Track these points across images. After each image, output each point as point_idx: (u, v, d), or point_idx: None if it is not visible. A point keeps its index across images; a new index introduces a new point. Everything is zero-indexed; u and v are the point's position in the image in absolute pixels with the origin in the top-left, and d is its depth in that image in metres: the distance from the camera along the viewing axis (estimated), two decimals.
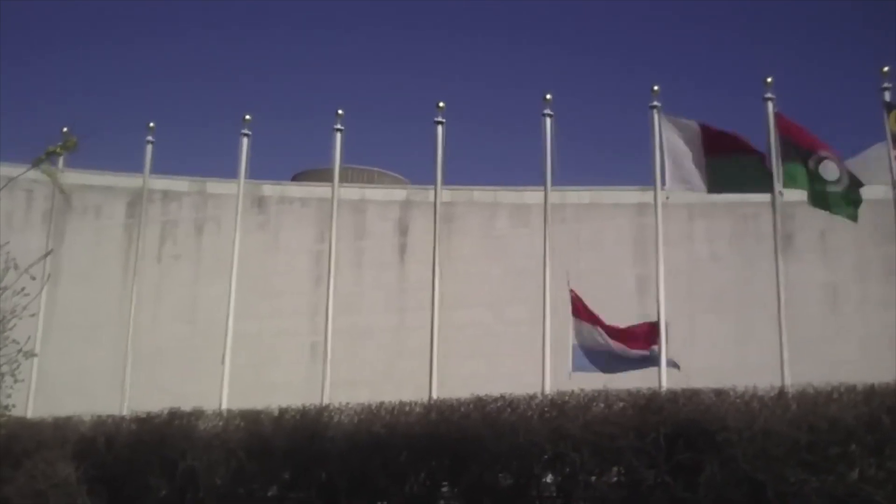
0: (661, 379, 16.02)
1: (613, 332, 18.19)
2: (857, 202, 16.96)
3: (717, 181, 17.49)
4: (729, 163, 17.30)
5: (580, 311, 18.25)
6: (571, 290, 18.35)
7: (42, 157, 12.27)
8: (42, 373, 20.83)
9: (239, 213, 20.90)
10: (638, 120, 18.45)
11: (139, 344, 20.97)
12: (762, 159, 17.08)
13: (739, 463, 11.05)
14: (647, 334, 17.84)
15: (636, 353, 17.90)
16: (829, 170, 16.83)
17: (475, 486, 12.79)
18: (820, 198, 17.02)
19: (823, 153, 16.89)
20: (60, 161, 21.72)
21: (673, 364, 17.24)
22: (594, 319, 18.25)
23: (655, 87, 17.97)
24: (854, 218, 17.09)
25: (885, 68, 16.71)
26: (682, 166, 17.52)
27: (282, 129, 69.34)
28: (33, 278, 18.21)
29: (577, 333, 18.16)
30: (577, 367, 18.03)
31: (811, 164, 16.85)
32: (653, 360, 17.38)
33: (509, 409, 13.00)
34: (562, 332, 18.63)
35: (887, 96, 16.57)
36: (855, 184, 16.92)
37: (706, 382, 12.58)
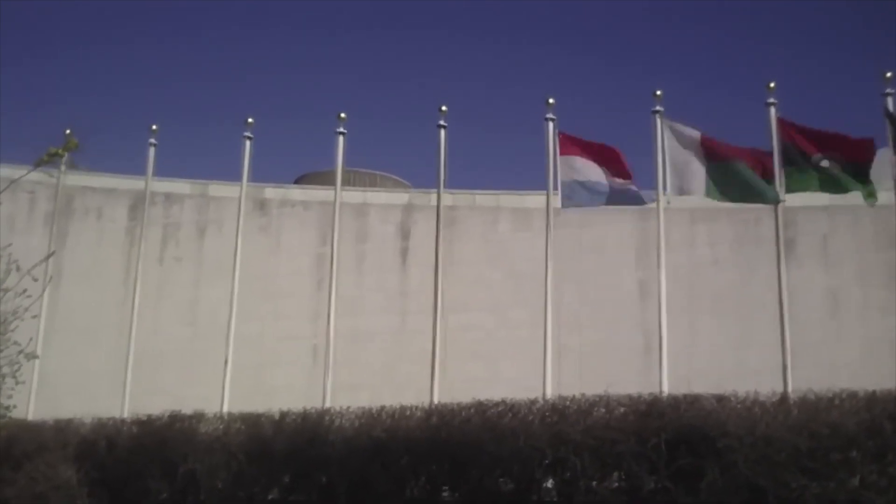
0: (663, 384, 16.02)
1: (605, 157, 18.03)
2: (869, 190, 16.79)
3: (717, 187, 17.48)
4: (729, 168, 17.30)
5: (569, 147, 18.01)
6: (561, 132, 18.19)
7: (44, 159, 12.27)
8: (43, 374, 20.83)
9: (241, 215, 20.92)
10: (640, 124, 18.47)
11: (140, 346, 20.97)
12: (761, 171, 17.10)
13: (740, 469, 11.06)
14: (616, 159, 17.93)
15: (622, 184, 17.86)
16: (833, 164, 16.80)
17: (476, 490, 12.80)
18: (827, 183, 17.00)
19: (823, 155, 16.86)
20: (63, 163, 21.82)
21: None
22: (585, 151, 18.04)
23: (658, 92, 17.98)
24: (869, 198, 16.87)
25: (888, 74, 16.70)
26: (682, 172, 17.54)
27: (284, 131, 69.44)
28: (35, 280, 18.21)
29: (568, 169, 17.94)
30: (566, 203, 18.05)
31: (814, 158, 16.85)
32: (635, 199, 17.87)
33: (510, 414, 13.01)
34: (563, 336, 18.65)
35: (890, 102, 16.56)
36: (862, 173, 16.76)
37: (707, 387, 12.59)
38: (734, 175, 17.31)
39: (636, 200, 18.08)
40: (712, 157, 17.39)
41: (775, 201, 17.08)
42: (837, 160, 16.75)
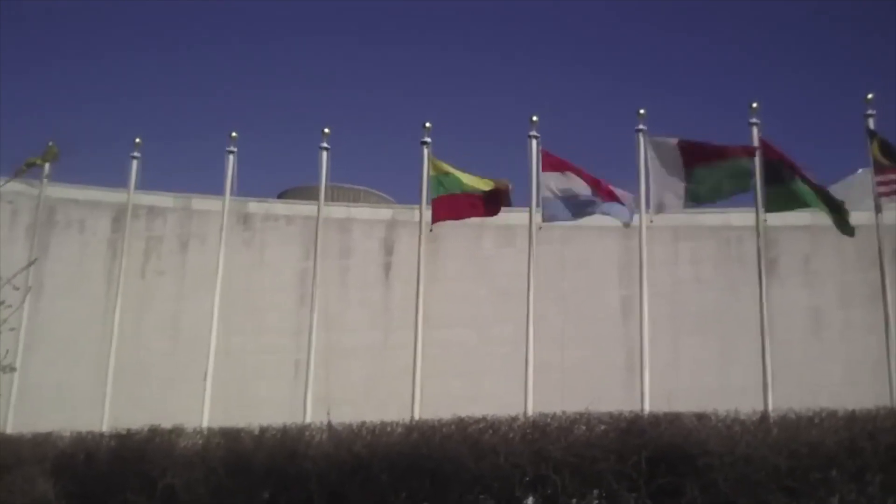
0: (645, 402, 16.02)
1: (585, 177, 18.19)
2: (842, 217, 17.08)
3: (699, 192, 17.55)
4: (712, 171, 17.38)
5: (552, 163, 18.23)
6: (544, 150, 18.36)
7: (23, 168, 12.15)
8: (22, 387, 20.68)
9: (224, 229, 20.88)
10: (624, 142, 18.56)
11: (121, 359, 20.87)
12: (738, 159, 17.34)
13: (720, 487, 11.07)
14: (609, 189, 18.07)
15: (605, 201, 18.02)
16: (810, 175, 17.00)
17: None
18: (806, 198, 17.11)
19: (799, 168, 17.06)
20: (45, 174, 21.71)
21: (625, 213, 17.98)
22: (568, 167, 18.24)
23: (641, 111, 18.08)
24: (846, 231, 17.24)
25: (870, 95, 16.86)
26: (663, 189, 17.60)
27: (268, 146, 69.37)
28: (16, 289, 18.03)
29: (550, 185, 18.15)
30: (547, 218, 18.22)
31: (797, 177, 16.98)
32: (621, 214, 18.03)
33: (491, 431, 12.99)
34: (546, 353, 18.63)
35: (871, 123, 16.69)
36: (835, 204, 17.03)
37: (688, 405, 12.59)
38: (716, 175, 17.38)
39: (621, 215, 18.15)
40: (693, 163, 17.43)
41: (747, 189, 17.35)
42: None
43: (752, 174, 17.07)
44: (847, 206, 17.22)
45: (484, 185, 18.58)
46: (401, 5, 78.83)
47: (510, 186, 18.49)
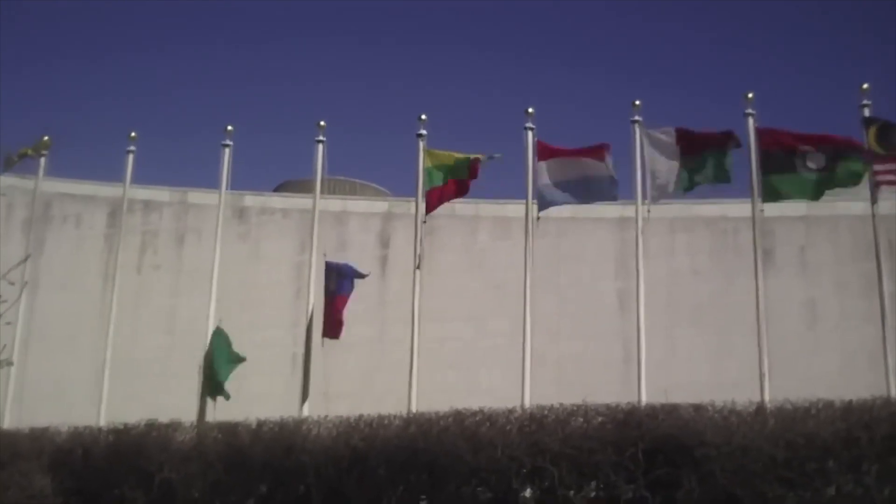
0: (641, 394, 16.03)
1: (575, 153, 18.17)
2: (846, 175, 16.81)
3: (684, 180, 17.52)
4: (698, 159, 17.37)
5: (546, 152, 18.22)
6: (539, 141, 18.36)
7: (14, 159, 12.15)
8: (19, 382, 20.67)
9: (220, 223, 20.85)
10: (620, 134, 18.56)
11: (118, 354, 20.83)
12: (722, 150, 17.29)
13: (717, 478, 11.11)
14: (597, 150, 17.94)
15: (597, 174, 17.87)
16: (815, 159, 16.84)
17: (453, 500, 12.79)
18: (809, 188, 17.05)
19: (805, 147, 16.89)
20: (41, 169, 21.70)
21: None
22: (559, 152, 18.24)
23: (637, 102, 18.07)
24: (851, 184, 17.01)
25: (865, 85, 16.86)
26: (661, 178, 17.60)
27: (264, 139, 69.10)
28: (11, 283, 18.03)
29: (543, 174, 18.13)
30: (543, 207, 18.15)
31: (797, 161, 16.89)
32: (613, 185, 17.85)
33: (488, 423, 13.01)
34: (542, 345, 18.63)
35: (867, 113, 16.68)
36: (842, 156, 16.81)
37: (685, 397, 12.62)
38: (701, 163, 17.35)
39: (610, 191, 18.06)
40: (685, 153, 17.45)
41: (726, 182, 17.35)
42: (828, 151, 16.76)
43: (730, 167, 17.12)
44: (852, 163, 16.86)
45: (473, 158, 18.69)
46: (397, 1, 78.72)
47: (495, 157, 18.65)
